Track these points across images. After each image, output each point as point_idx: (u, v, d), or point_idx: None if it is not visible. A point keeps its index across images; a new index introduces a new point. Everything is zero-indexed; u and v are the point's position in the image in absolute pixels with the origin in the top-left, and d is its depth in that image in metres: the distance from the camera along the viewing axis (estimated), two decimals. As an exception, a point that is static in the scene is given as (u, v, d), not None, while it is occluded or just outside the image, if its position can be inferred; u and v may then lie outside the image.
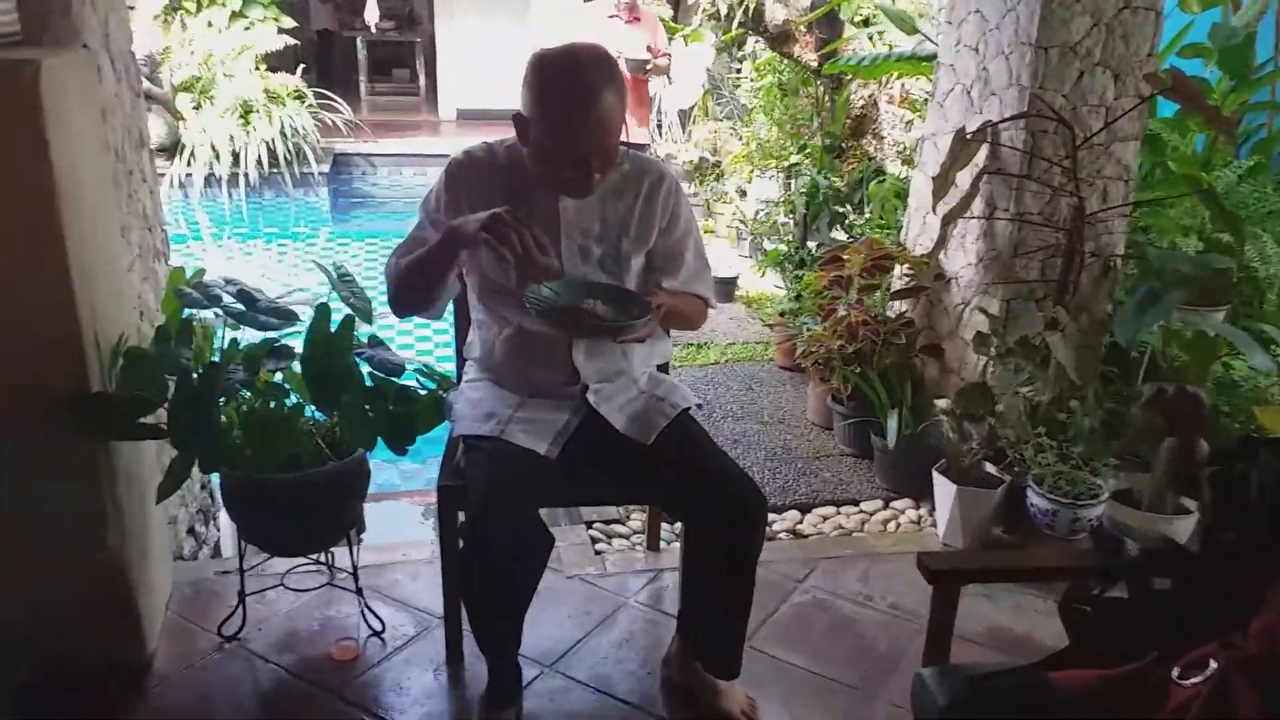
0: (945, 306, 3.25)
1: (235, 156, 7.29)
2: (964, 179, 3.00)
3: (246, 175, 7.31)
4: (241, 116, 7.43)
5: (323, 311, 2.01)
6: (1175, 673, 1.22)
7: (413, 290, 1.91)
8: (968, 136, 2.89)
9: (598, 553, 2.79)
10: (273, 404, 2.14)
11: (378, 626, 2.33)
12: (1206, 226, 3.42)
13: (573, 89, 1.72)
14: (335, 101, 8.10)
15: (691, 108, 7.48)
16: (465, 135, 9.44)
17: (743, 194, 6.45)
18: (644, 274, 2.01)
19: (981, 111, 3.01)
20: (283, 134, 7.41)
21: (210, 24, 7.84)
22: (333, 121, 7.99)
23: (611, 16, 5.72)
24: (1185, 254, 3.18)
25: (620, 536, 3.00)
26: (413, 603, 2.46)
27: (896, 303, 3.44)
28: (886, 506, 3.20)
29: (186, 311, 2.05)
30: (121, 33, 2.44)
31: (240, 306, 2.02)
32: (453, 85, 10.31)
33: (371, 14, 10.23)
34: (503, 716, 1.98)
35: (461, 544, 1.80)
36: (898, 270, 3.41)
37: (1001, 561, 2.09)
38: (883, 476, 3.32)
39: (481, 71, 10.10)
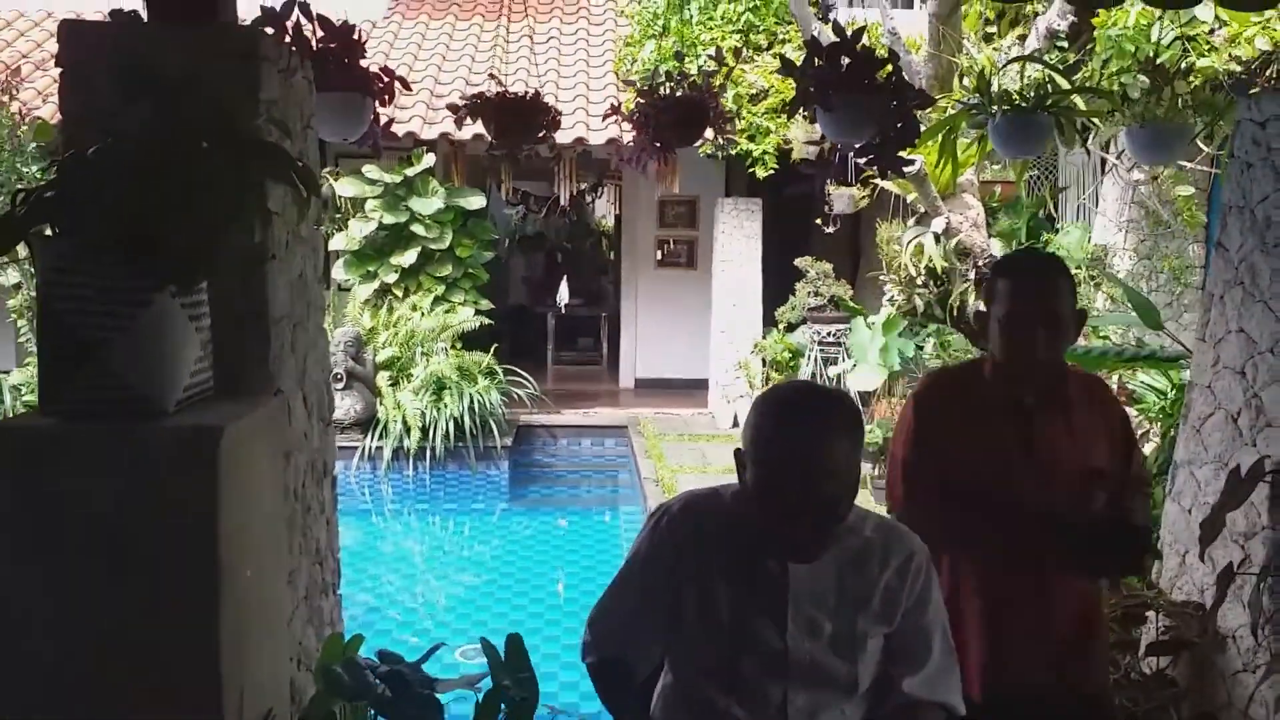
0: (1220, 671, 2.66)
1: (424, 431, 7.49)
2: (1236, 519, 2.54)
3: (433, 449, 7.48)
4: (434, 393, 7.70)
5: (489, 707, 1.73)
6: None
7: None
8: (1243, 476, 2.45)
9: None
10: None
11: None
12: None
13: (798, 427, 1.53)
14: (523, 378, 8.34)
15: (874, 391, 7.17)
16: (642, 404, 9.57)
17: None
18: (881, 663, 1.70)
19: (1255, 445, 2.56)
20: (471, 409, 7.61)
21: (415, 307, 8.36)
22: (519, 396, 8.19)
23: None
24: None
25: None
26: None
27: (1153, 658, 2.86)
28: None
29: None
30: (319, 366, 2.41)
31: (388, 694, 1.76)
32: (632, 356, 10.61)
33: (563, 297, 10.81)
34: None
35: None
36: (1153, 615, 2.87)
37: None
38: None
39: (660, 343, 10.41)
